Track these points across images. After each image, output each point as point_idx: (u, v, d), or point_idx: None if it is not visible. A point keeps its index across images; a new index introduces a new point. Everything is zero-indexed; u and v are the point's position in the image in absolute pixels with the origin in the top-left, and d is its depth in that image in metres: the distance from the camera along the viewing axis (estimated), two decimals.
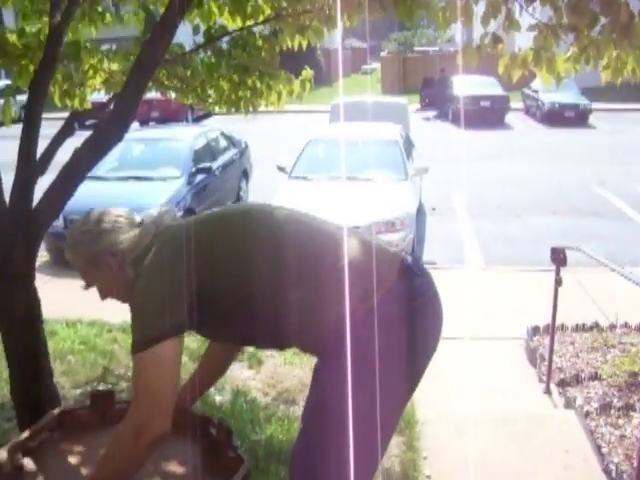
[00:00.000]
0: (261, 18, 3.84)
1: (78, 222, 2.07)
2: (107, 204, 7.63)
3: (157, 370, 1.76)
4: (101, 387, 4.17)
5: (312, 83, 4.21)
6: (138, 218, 2.09)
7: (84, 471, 2.13)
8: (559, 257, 3.87)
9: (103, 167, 8.88)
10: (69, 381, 4.30)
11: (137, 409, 1.77)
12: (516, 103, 22.04)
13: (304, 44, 3.98)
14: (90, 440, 2.28)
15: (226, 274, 1.90)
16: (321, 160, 8.63)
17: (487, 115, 20.41)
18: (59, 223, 7.63)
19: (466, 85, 19.49)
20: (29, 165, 2.89)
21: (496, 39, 3.07)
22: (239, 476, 1.97)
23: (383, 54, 35.88)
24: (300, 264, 1.92)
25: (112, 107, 2.85)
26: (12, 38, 4.27)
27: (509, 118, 21.37)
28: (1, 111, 4.10)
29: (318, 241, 2.00)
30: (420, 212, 9.46)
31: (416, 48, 36.25)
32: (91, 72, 4.36)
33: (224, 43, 3.99)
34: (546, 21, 3.05)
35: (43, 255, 7.85)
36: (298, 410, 3.71)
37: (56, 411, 2.38)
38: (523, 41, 3.54)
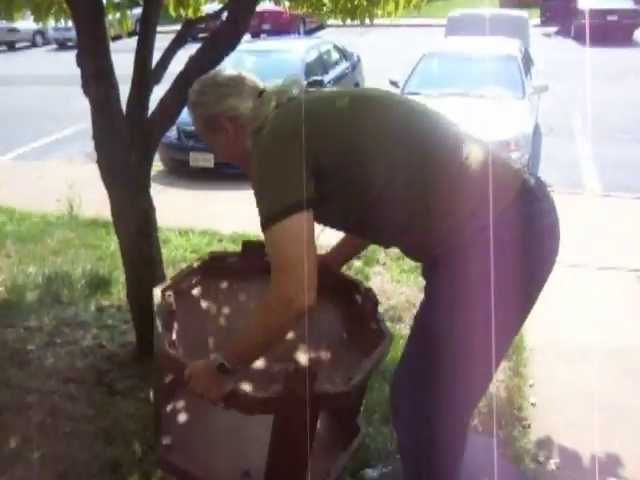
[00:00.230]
0: None
1: (204, 80, 1.99)
2: None
3: (292, 245, 1.69)
4: None
5: None
6: (262, 86, 1.99)
7: (229, 314, 2.22)
8: None
9: None
10: None
11: (282, 284, 1.70)
12: None
13: None
14: (237, 286, 2.36)
15: (344, 153, 1.80)
16: (435, 75, 8.32)
17: (614, 31, 19.01)
18: (173, 134, 7.80)
19: None
20: (144, 75, 2.90)
21: None
22: (382, 349, 1.98)
23: None
24: (415, 160, 1.82)
25: (227, 14, 2.79)
26: None
27: (639, 34, 19.85)
28: (118, 23, 4.15)
29: (441, 141, 1.88)
30: (536, 133, 9.04)
31: None
32: None
33: None
34: None
35: (157, 165, 8.07)
36: (404, 328, 3.70)
37: (207, 256, 2.43)
38: None
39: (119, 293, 4.26)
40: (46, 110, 11.97)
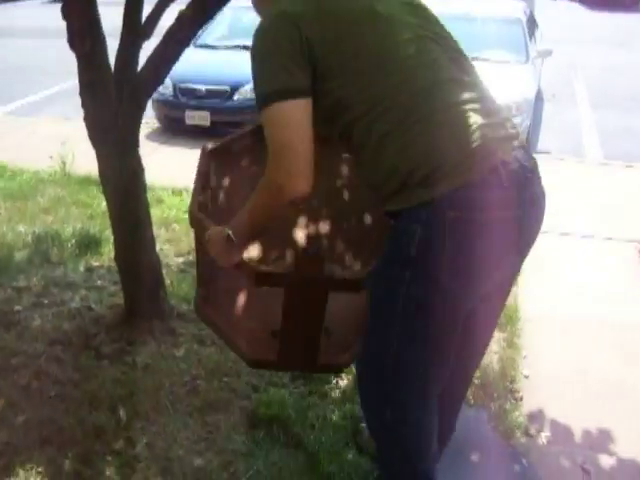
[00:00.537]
0: None
1: None
2: (215, 74, 7.57)
3: (283, 128, 1.64)
4: None
5: None
6: None
7: None
8: None
9: (212, 35, 8.75)
10: (173, 249, 4.38)
11: (276, 168, 1.66)
12: None
13: None
14: None
15: (342, 51, 1.69)
16: None
17: None
18: (169, 91, 7.64)
19: None
20: (134, 29, 2.77)
21: None
22: None
23: None
24: (402, 90, 1.67)
25: None
26: None
27: None
28: None
29: (436, 78, 1.71)
30: (538, 98, 8.89)
31: None
32: None
33: None
34: None
35: (153, 122, 7.94)
36: None
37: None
38: None
39: (109, 253, 4.18)
40: (42, 64, 11.75)
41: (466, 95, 1.70)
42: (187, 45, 2.75)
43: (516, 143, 1.74)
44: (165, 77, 2.85)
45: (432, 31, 1.78)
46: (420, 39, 1.74)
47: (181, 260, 4.18)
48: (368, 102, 1.67)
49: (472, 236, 1.62)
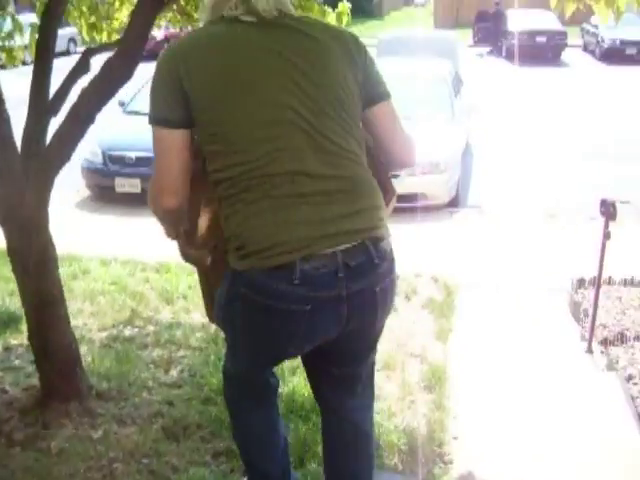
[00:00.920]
0: None
1: None
2: (145, 140, 7.51)
3: (160, 151, 1.85)
4: (127, 330, 4.11)
5: (349, 17, 3.93)
6: None
7: None
8: (608, 210, 3.59)
9: (143, 101, 8.72)
10: (97, 323, 4.25)
11: (152, 183, 1.93)
12: (574, 39, 21.00)
13: None
14: None
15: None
16: None
17: (543, 51, 19.58)
18: (98, 159, 7.58)
19: (521, 19, 18.63)
20: (40, 106, 2.74)
21: None
22: None
23: None
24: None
25: (119, 46, 2.66)
26: None
27: (566, 55, 20.42)
28: (29, 47, 3.97)
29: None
30: (467, 152, 9.12)
31: None
32: (117, 4, 4.18)
33: None
34: None
35: (83, 191, 7.84)
36: None
37: None
38: None
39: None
40: None
41: (315, 188, 1.78)
42: (92, 122, 2.72)
43: (357, 240, 1.81)
44: (71, 154, 2.79)
45: (310, 109, 1.80)
46: (285, 124, 1.78)
47: (105, 334, 4.05)
48: (224, 164, 1.81)
49: (255, 313, 1.85)
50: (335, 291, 1.81)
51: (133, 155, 7.38)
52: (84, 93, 2.63)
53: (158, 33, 15.78)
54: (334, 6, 3.99)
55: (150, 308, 4.48)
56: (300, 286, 1.76)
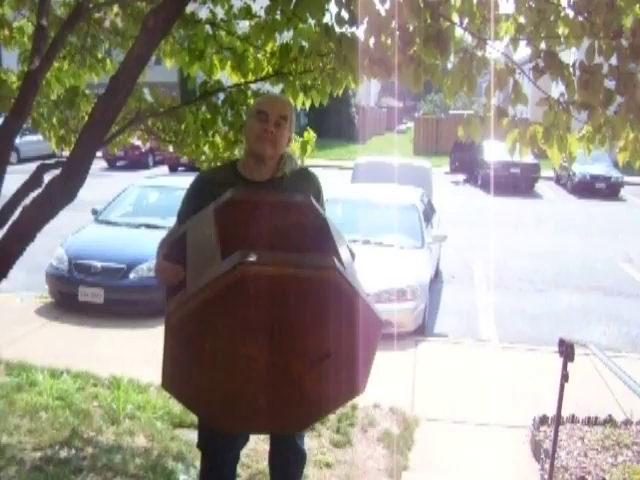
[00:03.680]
0: (261, 75, 3.68)
1: None
2: (112, 251, 7.49)
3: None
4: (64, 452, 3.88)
5: (314, 145, 3.99)
6: None
7: None
8: (567, 351, 3.52)
9: (116, 211, 8.76)
10: (32, 442, 4.01)
11: None
12: (547, 172, 21.72)
13: (307, 104, 3.79)
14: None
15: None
16: (337, 220, 8.36)
17: (517, 182, 20.15)
18: (64, 266, 7.47)
19: (497, 150, 19.25)
20: None
21: (501, 112, 2.82)
22: None
23: (417, 115, 36.04)
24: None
25: (62, 168, 2.64)
26: (11, 79, 4.17)
27: (539, 186, 21.08)
28: None
29: None
30: (437, 280, 9.14)
31: (451, 111, 36.30)
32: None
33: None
34: (557, 96, 2.80)
35: (46, 297, 7.69)
36: None
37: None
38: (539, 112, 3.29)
39: None
40: None
41: None
42: (32, 240, 2.66)
43: None
44: (7, 271, 2.71)
45: None
46: None
47: (38, 455, 3.82)
48: None
49: None
50: None
51: (99, 264, 7.30)
52: (25, 211, 2.58)
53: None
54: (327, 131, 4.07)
55: (93, 428, 4.27)
56: None
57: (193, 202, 2.60)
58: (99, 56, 4.08)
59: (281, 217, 2.36)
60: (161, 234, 8.53)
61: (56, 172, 2.73)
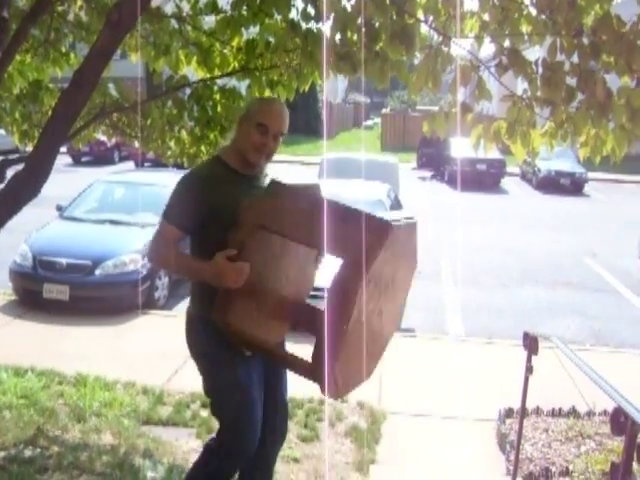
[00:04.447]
0: (227, 70, 3.67)
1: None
2: (78, 247, 7.40)
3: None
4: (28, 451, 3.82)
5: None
6: None
7: None
8: (531, 344, 3.58)
9: (81, 207, 8.64)
10: None
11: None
12: (513, 168, 21.99)
13: None
14: None
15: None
16: None
17: (483, 178, 20.35)
18: (28, 263, 7.36)
19: (463, 147, 19.42)
20: None
21: (465, 108, 2.85)
22: None
23: (385, 111, 36.16)
24: None
25: (25, 165, 2.61)
26: None
27: (505, 182, 21.32)
28: None
29: None
30: None
31: (418, 107, 36.47)
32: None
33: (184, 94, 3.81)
34: (521, 93, 2.84)
35: (9, 294, 7.58)
36: None
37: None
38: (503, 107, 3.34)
39: None
40: None
41: None
42: None
43: None
44: None
45: None
46: None
47: (2, 455, 3.77)
48: None
49: None
50: None
51: (64, 261, 7.20)
52: None
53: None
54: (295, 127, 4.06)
55: (58, 426, 4.22)
56: None
57: (194, 200, 2.54)
58: (63, 50, 4.03)
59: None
60: (127, 230, 8.49)
61: (19, 167, 2.70)
